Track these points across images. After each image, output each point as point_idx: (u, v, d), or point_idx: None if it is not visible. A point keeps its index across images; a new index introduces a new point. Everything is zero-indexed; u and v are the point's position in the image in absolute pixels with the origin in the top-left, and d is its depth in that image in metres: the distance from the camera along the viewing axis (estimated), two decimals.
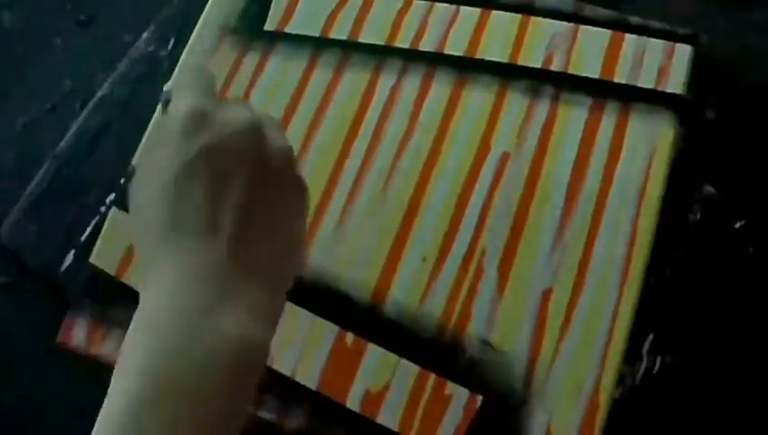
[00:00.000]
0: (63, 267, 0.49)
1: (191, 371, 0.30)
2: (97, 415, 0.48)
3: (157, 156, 0.33)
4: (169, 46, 0.55)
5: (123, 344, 0.31)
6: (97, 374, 0.46)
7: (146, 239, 0.33)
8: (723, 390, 0.43)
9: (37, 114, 0.55)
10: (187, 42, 0.54)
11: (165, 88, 0.35)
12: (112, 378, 0.30)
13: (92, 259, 0.47)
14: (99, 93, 0.54)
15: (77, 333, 0.46)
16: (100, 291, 0.47)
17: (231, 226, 0.32)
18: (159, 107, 0.35)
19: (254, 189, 0.33)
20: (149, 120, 0.51)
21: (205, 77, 0.36)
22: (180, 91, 0.34)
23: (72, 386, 0.47)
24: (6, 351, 0.49)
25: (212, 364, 0.30)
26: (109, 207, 0.50)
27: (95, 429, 0.30)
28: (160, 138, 0.33)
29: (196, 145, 0.32)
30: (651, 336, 0.44)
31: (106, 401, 0.30)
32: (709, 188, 0.47)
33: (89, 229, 0.50)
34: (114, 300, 0.46)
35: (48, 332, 0.48)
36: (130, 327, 0.31)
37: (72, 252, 0.49)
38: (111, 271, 0.47)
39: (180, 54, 0.54)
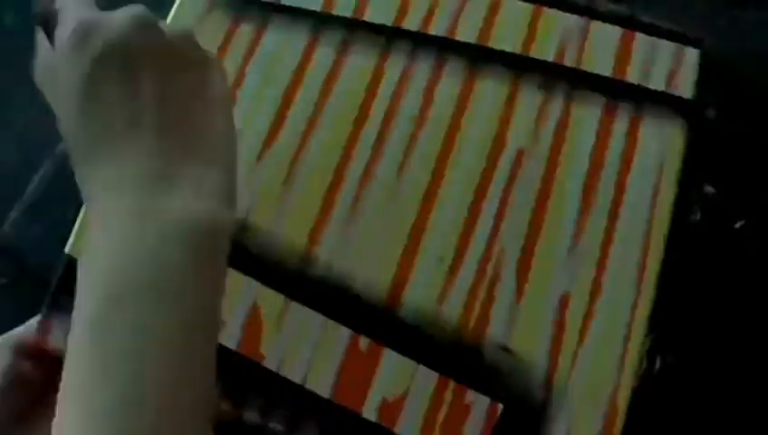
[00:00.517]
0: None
1: (148, 263, 0.30)
2: None
3: (61, 75, 0.33)
4: None
5: (80, 259, 0.31)
6: None
7: (77, 153, 0.33)
8: (723, 389, 0.44)
9: (37, 114, 0.53)
10: None
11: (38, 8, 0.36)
12: (78, 275, 0.30)
13: (68, 250, 0.42)
14: None
15: (55, 331, 0.41)
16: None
17: (151, 115, 0.32)
18: (38, 29, 0.36)
19: (164, 76, 0.33)
20: None
21: None
22: (63, 10, 0.34)
23: None
24: None
25: (166, 251, 0.30)
26: None
27: (72, 328, 0.30)
28: (60, 61, 0.33)
29: (92, 53, 0.32)
30: (652, 336, 0.44)
31: (75, 301, 0.30)
32: (709, 188, 0.47)
33: None
34: None
35: None
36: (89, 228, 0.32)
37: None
38: None
39: None
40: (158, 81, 0.33)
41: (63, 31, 0.33)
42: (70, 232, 0.48)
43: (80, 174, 0.33)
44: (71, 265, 0.43)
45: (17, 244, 0.51)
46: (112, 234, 0.31)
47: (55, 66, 0.33)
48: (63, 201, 0.50)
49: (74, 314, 0.30)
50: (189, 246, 0.31)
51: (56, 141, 0.53)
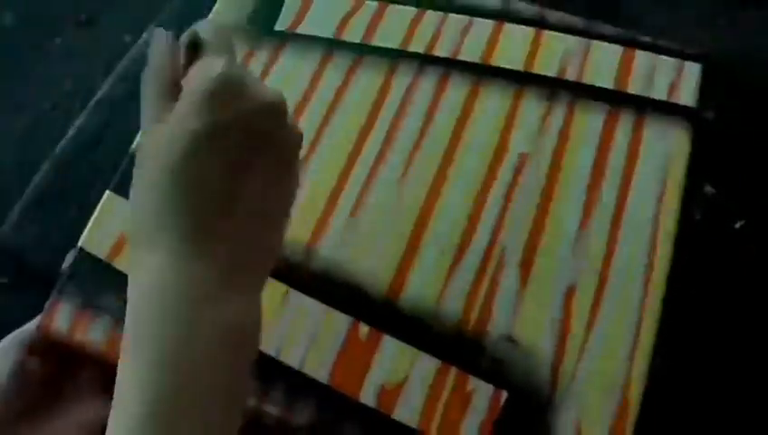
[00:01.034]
0: (63, 267, 0.46)
1: (203, 360, 0.29)
2: None
3: (168, 118, 0.30)
4: None
5: (125, 336, 0.29)
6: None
7: (144, 227, 0.30)
8: (723, 389, 0.43)
9: (37, 114, 0.56)
10: None
11: (193, 27, 0.32)
12: (119, 368, 0.28)
13: (82, 243, 0.44)
14: (99, 93, 0.54)
15: (60, 320, 0.42)
16: (87, 277, 0.43)
17: (243, 216, 0.30)
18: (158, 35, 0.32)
19: (267, 173, 0.30)
20: None
21: (227, 33, 0.32)
22: (211, 47, 0.31)
23: None
24: None
25: (221, 353, 0.29)
26: None
27: (111, 424, 0.28)
28: (171, 92, 0.30)
29: (223, 114, 0.29)
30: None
31: (116, 394, 0.28)
32: (709, 188, 0.47)
33: None
34: (101, 286, 0.43)
35: None
36: (128, 318, 0.29)
37: (72, 252, 0.46)
38: (102, 255, 0.43)
39: None
40: (262, 178, 0.30)
41: (203, 75, 0.29)
42: (70, 232, 0.47)
43: (137, 243, 0.30)
44: (81, 256, 0.44)
45: (17, 244, 0.51)
46: (168, 328, 0.29)
47: (171, 108, 0.30)
48: (63, 201, 0.51)
49: (116, 404, 0.28)
50: (238, 349, 0.30)
51: (56, 141, 0.53)
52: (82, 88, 0.55)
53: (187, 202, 0.29)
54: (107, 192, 0.45)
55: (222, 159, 0.29)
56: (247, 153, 0.30)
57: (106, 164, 0.49)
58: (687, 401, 0.41)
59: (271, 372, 0.40)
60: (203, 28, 0.33)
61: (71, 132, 0.53)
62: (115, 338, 0.41)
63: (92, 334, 0.41)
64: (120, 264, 0.44)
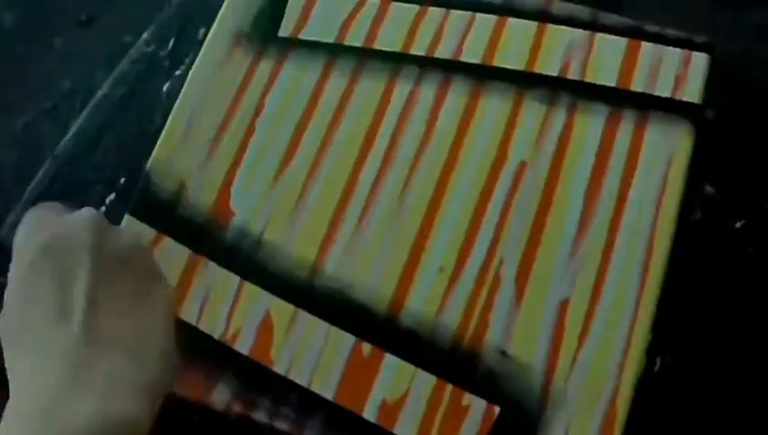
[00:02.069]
0: None
1: None
2: None
3: (10, 271, 0.36)
4: (169, 46, 0.55)
5: None
6: None
7: (8, 337, 0.35)
8: (723, 390, 0.44)
9: (37, 114, 0.55)
10: (187, 42, 0.54)
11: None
12: None
13: None
14: (99, 93, 0.54)
15: None
16: None
17: (81, 310, 0.34)
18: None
19: (104, 276, 0.35)
20: (150, 120, 0.51)
21: (48, 203, 0.42)
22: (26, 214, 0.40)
23: None
24: None
25: None
26: (109, 207, 0.50)
27: None
28: (14, 252, 0.37)
29: (37, 243, 0.35)
30: (651, 336, 0.44)
31: None
32: (709, 188, 0.47)
33: None
34: None
35: None
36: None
37: None
38: None
39: (180, 54, 0.54)
40: (94, 276, 0.35)
41: (21, 226, 0.38)
42: None
43: (6, 360, 0.34)
44: None
45: None
46: (23, 427, 0.31)
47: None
48: (63, 201, 0.48)
49: None
50: None
51: (56, 141, 0.53)
52: (82, 88, 0.55)
53: (31, 314, 0.34)
54: (126, 216, 0.47)
55: (50, 275, 0.35)
56: (75, 263, 0.35)
57: (106, 164, 0.51)
58: (687, 403, 0.43)
59: (281, 389, 0.43)
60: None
61: (71, 132, 0.53)
62: None
63: None
64: None
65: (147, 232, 0.47)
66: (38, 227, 0.37)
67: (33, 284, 0.35)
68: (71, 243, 0.36)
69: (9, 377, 0.33)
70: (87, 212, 0.38)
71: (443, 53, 0.50)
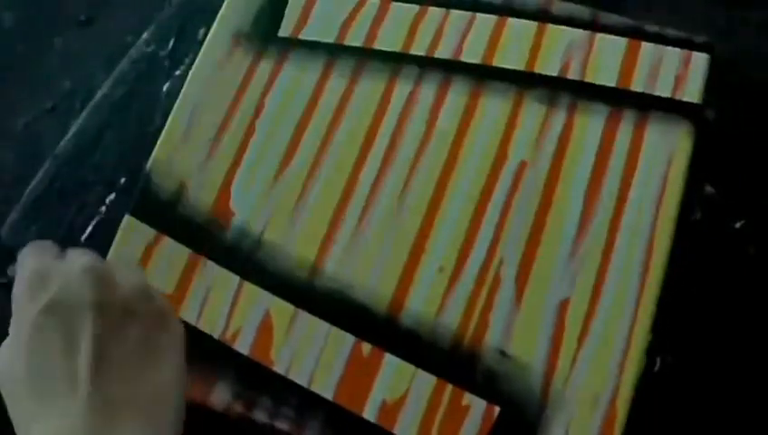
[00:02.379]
0: None
1: None
2: None
3: (12, 326, 0.35)
4: (169, 46, 0.55)
5: None
6: None
7: (16, 407, 0.34)
8: (723, 390, 0.44)
9: (37, 114, 0.55)
10: (187, 42, 0.54)
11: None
12: None
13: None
14: (99, 93, 0.54)
15: None
16: None
17: (87, 379, 0.33)
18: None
19: (109, 331, 0.34)
20: (150, 120, 0.51)
21: (40, 242, 0.39)
22: (21, 260, 0.37)
23: None
24: None
25: None
26: (109, 207, 0.50)
27: None
28: (14, 307, 0.35)
29: (39, 304, 0.34)
30: (651, 337, 0.44)
31: None
32: (709, 188, 0.47)
33: (89, 229, 0.50)
34: None
35: None
36: None
37: None
38: None
39: (180, 54, 0.54)
40: (100, 334, 0.34)
41: (19, 279, 0.35)
42: (69, 232, 0.50)
43: (17, 424, 0.33)
44: None
45: (17, 244, 0.48)
46: None
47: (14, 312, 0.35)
48: (63, 201, 0.51)
49: None
50: None
51: (56, 141, 0.53)
52: (82, 88, 0.55)
53: (38, 384, 0.33)
54: (126, 216, 0.47)
55: (56, 338, 0.33)
56: (80, 322, 0.34)
57: (106, 164, 0.51)
58: (687, 403, 0.43)
59: (281, 389, 0.43)
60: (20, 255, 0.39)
61: (71, 132, 0.53)
62: None
63: None
64: None
65: (147, 232, 0.47)
66: (37, 283, 0.35)
67: (37, 352, 0.33)
68: (72, 302, 0.34)
69: None
70: (85, 261, 0.36)
71: (443, 53, 0.50)
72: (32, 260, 0.36)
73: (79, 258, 0.36)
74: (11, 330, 0.35)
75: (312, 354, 0.44)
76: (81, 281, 0.35)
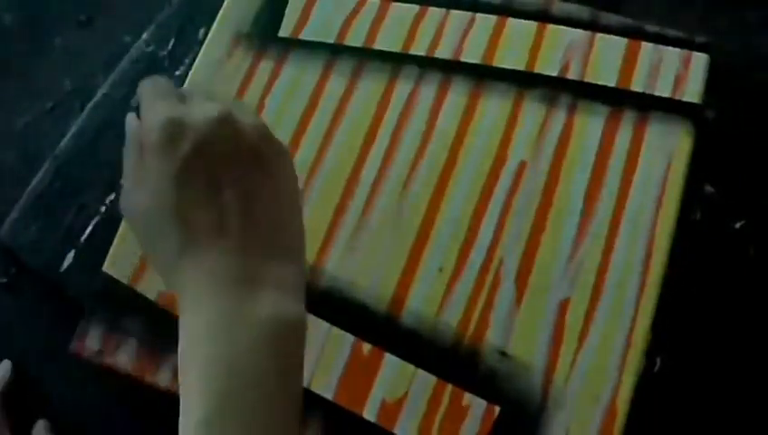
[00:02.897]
0: (63, 267, 0.49)
1: (243, 370, 0.31)
2: (98, 413, 0.47)
3: (144, 173, 0.34)
4: (169, 46, 0.55)
5: (180, 360, 0.32)
6: (96, 375, 0.46)
7: (161, 258, 0.34)
8: (722, 390, 0.44)
9: (37, 114, 0.55)
10: (187, 42, 0.54)
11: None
12: (180, 392, 0.32)
13: (105, 268, 0.47)
14: (99, 93, 0.54)
15: (90, 343, 0.46)
16: (113, 300, 0.47)
17: (235, 218, 0.33)
18: (129, 119, 0.37)
19: (245, 176, 0.34)
20: None
21: (159, 82, 0.38)
22: (145, 102, 0.36)
23: (73, 386, 0.47)
24: (6, 350, 0.49)
25: (257, 358, 0.31)
26: (109, 207, 0.50)
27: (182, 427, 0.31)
28: (143, 152, 0.34)
29: (180, 157, 0.33)
30: (651, 336, 0.44)
31: (182, 401, 0.31)
32: (709, 188, 0.47)
33: (89, 229, 0.50)
34: (127, 309, 0.46)
35: (48, 331, 0.49)
36: (180, 342, 0.32)
37: (72, 252, 0.49)
38: (125, 280, 0.47)
39: (180, 54, 0.54)
40: (241, 181, 0.34)
41: (150, 128, 0.34)
42: (69, 232, 0.49)
43: (168, 279, 0.34)
44: (107, 281, 0.47)
45: (17, 244, 0.50)
46: (207, 340, 0.32)
47: (139, 156, 0.35)
48: (63, 201, 0.50)
49: (182, 413, 0.31)
50: (277, 348, 0.32)
51: (56, 141, 0.53)
52: (82, 88, 0.55)
53: (188, 234, 0.33)
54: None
55: (199, 185, 0.33)
56: (221, 169, 0.34)
57: (106, 164, 0.51)
58: (687, 403, 0.43)
59: None
60: (141, 87, 0.37)
61: (71, 132, 0.53)
62: (142, 360, 0.45)
63: (121, 357, 0.45)
64: (142, 287, 0.47)
65: None
66: (171, 136, 0.34)
67: (182, 198, 0.33)
68: (213, 151, 0.34)
69: (177, 294, 0.33)
70: (212, 105, 0.35)
71: (443, 53, 0.50)
72: (157, 103, 0.35)
73: (206, 106, 0.35)
74: (132, 175, 0.35)
75: (312, 354, 0.44)
76: (217, 128, 0.34)
